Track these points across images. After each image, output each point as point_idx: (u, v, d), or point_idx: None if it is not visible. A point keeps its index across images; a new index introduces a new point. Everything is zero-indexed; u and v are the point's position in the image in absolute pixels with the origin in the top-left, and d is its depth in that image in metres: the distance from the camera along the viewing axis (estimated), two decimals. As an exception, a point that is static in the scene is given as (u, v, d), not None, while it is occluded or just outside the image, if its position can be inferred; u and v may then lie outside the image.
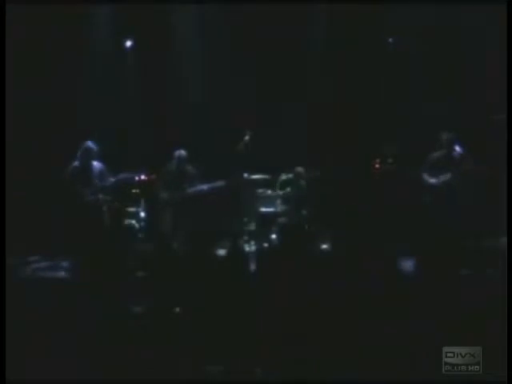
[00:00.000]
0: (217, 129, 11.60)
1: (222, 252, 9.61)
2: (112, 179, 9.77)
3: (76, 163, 9.70)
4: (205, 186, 10.38)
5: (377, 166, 10.90)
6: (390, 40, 11.58)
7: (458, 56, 11.42)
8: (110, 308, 6.73)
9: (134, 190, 10.56)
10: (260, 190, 11.03)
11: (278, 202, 10.95)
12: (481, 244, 9.52)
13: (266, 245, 10.40)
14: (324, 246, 10.03)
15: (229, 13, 11.59)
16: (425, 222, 9.91)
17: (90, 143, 9.74)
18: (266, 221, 10.76)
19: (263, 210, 10.92)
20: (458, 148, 9.94)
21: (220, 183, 10.45)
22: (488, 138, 10.64)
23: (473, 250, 9.02)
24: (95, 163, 9.76)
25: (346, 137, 11.48)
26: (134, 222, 10.43)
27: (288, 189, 10.94)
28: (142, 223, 10.44)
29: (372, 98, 11.59)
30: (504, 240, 9.54)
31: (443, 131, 10.04)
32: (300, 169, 10.92)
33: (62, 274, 9.28)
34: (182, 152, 10.43)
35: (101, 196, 9.70)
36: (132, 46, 11.54)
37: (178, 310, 6.76)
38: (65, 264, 9.46)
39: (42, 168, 10.73)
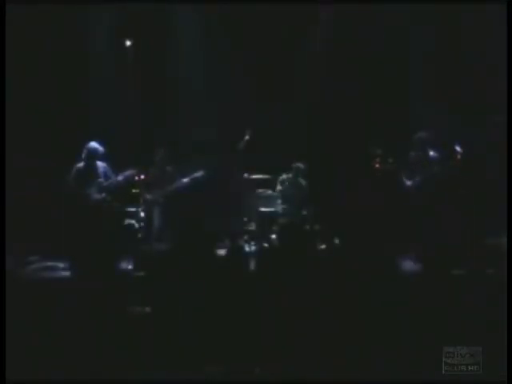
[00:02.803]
0: (216, 128, 11.59)
1: (221, 252, 9.63)
2: (119, 178, 9.77)
3: (81, 164, 9.69)
4: (186, 179, 10.44)
5: (377, 165, 10.89)
6: (390, 40, 11.57)
7: (458, 56, 11.42)
8: (110, 308, 6.73)
9: (134, 190, 10.56)
10: (260, 190, 11.02)
11: (278, 201, 10.94)
12: (480, 243, 9.55)
13: (265, 245, 10.39)
14: (324, 246, 10.03)
15: (228, 13, 11.58)
16: (423, 222, 9.94)
17: (94, 143, 9.73)
18: (266, 220, 10.74)
19: (263, 209, 10.91)
20: (432, 149, 10.04)
21: (200, 173, 10.47)
22: (487, 139, 10.68)
23: (472, 250, 9.06)
24: (99, 163, 9.75)
25: (346, 136, 11.48)
26: (133, 221, 10.42)
27: (288, 188, 10.92)
28: (142, 223, 10.44)
29: (372, 97, 11.58)
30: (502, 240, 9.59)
31: (417, 131, 10.16)
32: (300, 166, 10.92)
33: (61, 274, 9.27)
34: (162, 152, 10.50)
35: (106, 196, 9.70)
36: (131, 46, 11.52)
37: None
38: (65, 264, 9.45)
39: (43, 168, 10.69)
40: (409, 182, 10.14)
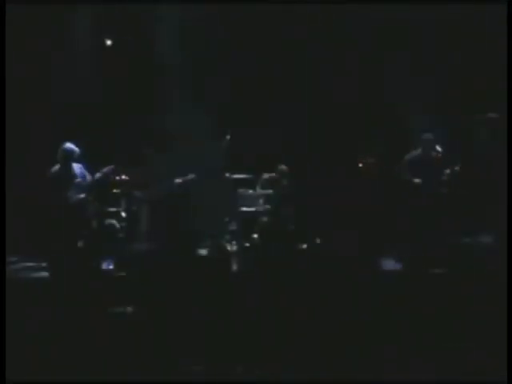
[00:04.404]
0: (199, 128, 11.55)
1: (203, 252, 9.64)
2: (96, 176, 9.72)
3: (57, 165, 9.63)
4: (179, 180, 10.46)
5: (361, 165, 10.92)
6: (387, 39, 11.56)
7: (458, 55, 11.43)
8: (93, 308, 6.72)
9: (114, 190, 10.52)
10: (242, 190, 10.98)
11: (260, 201, 10.89)
12: (467, 242, 9.63)
13: (247, 245, 10.36)
14: (306, 246, 10.05)
15: (211, 12, 11.54)
16: (409, 221, 9.98)
17: (69, 144, 9.65)
18: (248, 220, 10.71)
19: (245, 209, 10.87)
20: (437, 148, 10.05)
21: (191, 176, 10.49)
22: (475, 138, 10.73)
23: (460, 249, 9.12)
24: (75, 164, 9.70)
25: (331, 136, 11.48)
26: (114, 221, 10.39)
27: (270, 188, 10.90)
28: (123, 223, 10.41)
29: (359, 96, 11.55)
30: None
31: (424, 131, 10.17)
32: (283, 167, 10.91)
33: (43, 274, 9.22)
34: (152, 151, 10.53)
35: (84, 196, 9.65)
36: (116, 46, 11.48)
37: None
38: (45, 265, 9.40)
39: (23, 169, 10.57)
40: (416, 180, 10.12)
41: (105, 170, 9.74)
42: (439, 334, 6.31)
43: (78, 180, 9.57)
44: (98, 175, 9.67)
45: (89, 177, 9.68)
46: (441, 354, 6.10)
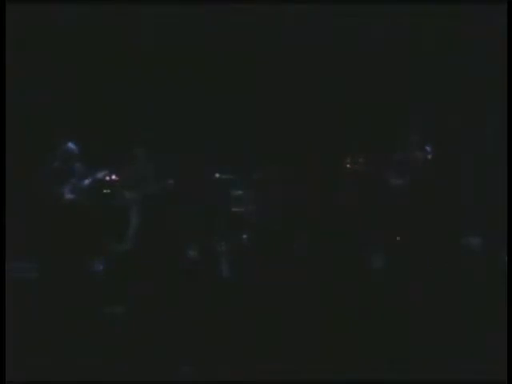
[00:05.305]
0: (187, 129, 11.54)
1: (192, 252, 9.65)
2: (90, 179, 9.73)
3: (56, 164, 9.62)
4: (169, 180, 10.48)
5: (348, 165, 10.93)
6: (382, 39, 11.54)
7: (458, 56, 11.43)
8: (83, 309, 6.73)
9: (105, 190, 10.53)
10: (231, 190, 10.99)
11: (249, 201, 10.89)
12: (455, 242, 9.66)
13: (237, 245, 10.37)
14: (295, 246, 10.06)
15: (200, 14, 11.53)
16: (394, 221, 9.99)
17: (71, 144, 9.66)
18: (237, 221, 10.72)
19: (234, 209, 10.88)
20: (425, 149, 10.07)
21: (180, 176, 10.53)
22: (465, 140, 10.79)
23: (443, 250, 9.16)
24: (74, 164, 9.70)
25: (317, 136, 11.47)
26: (108, 221, 10.39)
27: (259, 188, 10.90)
28: (112, 223, 10.41)
29: (344, 97, 11.54)
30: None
31: (412, 132, 10.17)
32: (272, 167, 10.93)
33: (34, 275, 9.21)
34: (139, 151, 10.52)
35: (80, 196, 9.65)
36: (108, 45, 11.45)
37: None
38: (37, 265, 9.38)
39: (15, 167, 10.53)
40: (398, 181, 10.11)
41: (99, 174, 9.76)
42: (439, 334, 6.31)
43: (73, 180, 9.58)
44: (91, 179, 9.68)
45: (85, 177, 9.69)
46: (441, 353, 6.10)
